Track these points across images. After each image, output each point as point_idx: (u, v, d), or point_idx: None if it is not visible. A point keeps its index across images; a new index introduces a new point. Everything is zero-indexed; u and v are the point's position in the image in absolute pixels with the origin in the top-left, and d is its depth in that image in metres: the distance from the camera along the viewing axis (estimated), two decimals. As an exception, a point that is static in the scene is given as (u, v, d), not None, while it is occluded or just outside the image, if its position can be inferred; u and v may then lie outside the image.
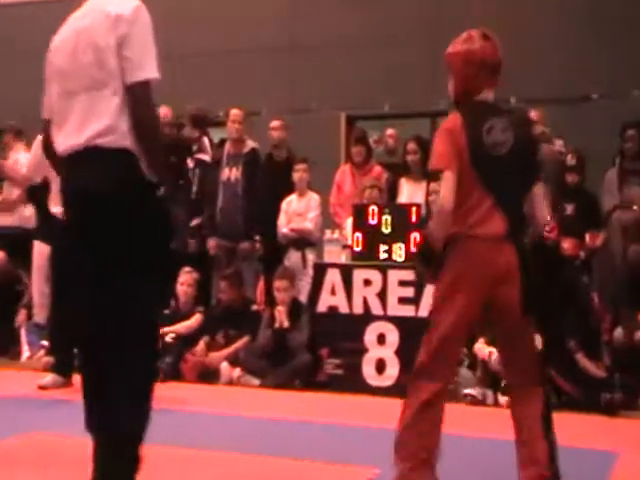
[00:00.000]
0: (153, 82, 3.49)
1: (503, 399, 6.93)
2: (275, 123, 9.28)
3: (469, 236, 3.89)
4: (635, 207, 7.79)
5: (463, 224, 3.87)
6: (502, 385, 7.00)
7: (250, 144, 9.18)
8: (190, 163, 9.39)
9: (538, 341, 6.92)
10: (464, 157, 3.83)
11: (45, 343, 8.55)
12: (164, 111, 9.33)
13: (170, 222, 3.38)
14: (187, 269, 8.49)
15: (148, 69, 3.45)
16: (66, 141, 3.55)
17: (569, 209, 7.90)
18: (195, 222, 9.10)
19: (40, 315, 8.63)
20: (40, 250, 8.25)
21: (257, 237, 8.97)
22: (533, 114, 8.15)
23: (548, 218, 7.32)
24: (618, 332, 7.16)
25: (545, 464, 3.86)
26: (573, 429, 6.20)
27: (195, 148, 9.53)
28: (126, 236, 3.36)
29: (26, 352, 8.97)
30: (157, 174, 3.48)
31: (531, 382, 4.04)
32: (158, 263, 3.45)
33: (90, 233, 3.42)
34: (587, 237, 7.81)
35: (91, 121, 3.48)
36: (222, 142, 9.43)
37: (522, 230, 4.07)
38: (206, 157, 9.45)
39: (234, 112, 9.17)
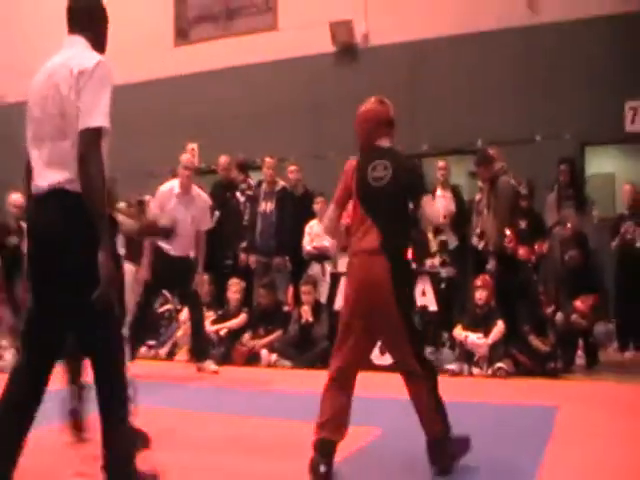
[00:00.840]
0: (100, 131, 3.03)
1: (476, 371, 7.17)
2: (292, 168, 9.39)
3: (352, 252, 3.90)
4: (569, 224, 7.86)
5: (352, 242, 3.90)
6: (474, 360, 7.24)
7: (281, 183, 9.23)
8: (241, 198, 9.44)
9: (501, 326, 7.19)
10: (354, 191, 3.89)
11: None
12: (223, 159, 9.60)
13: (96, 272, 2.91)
14: (235, 279, 8.57)
15: (95, 117, 3.02)
16: (35, 182, 3.18)
17: (522, 224, 7.96)
18: (243, 244, 9.17)
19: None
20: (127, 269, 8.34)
21: (287, 257, 8.99)
22: (492, 152, 8.15)
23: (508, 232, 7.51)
24: (559, 316, 7.26)
25: (436, 429, 3.82)
26: (526, 391, 6.46)
27: (244, 186, 9.58)
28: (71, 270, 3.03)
29: None
30: (94, 218, 2.97)
31: (410, 372, 3.81)
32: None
33: (46, 264, 3.10)
34: (536, 246, 7.90)
35: (54, 170, 3.11)
36: (260, 183, 9.48)
37: (397, 242, 3.86)
38: (251, 193, 9.50)
39: (268, 160, 9.23)
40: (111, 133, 3.09)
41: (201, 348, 7.60)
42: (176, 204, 7.36)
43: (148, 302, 7.66)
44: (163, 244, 7.27)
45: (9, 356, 7.80)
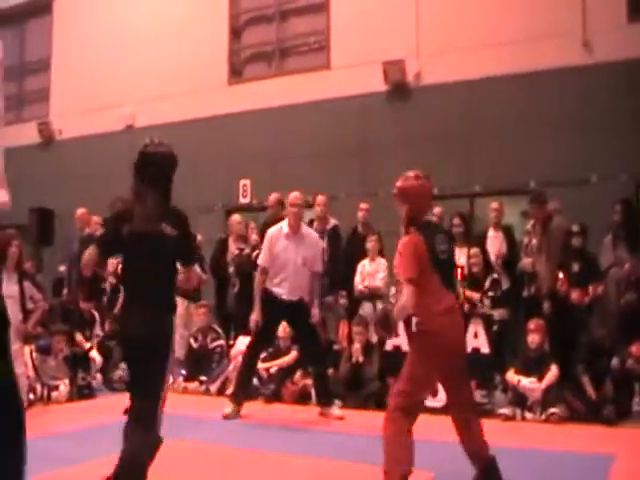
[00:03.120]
0: None
1: (529, 416, 7.13)
2: (319, 199, 9.32)
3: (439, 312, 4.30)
4: (625, 266, 7.78)
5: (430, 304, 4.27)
6: (527, 405, 7.20)
7: (332, 221, 9.30)
8: None
9: (555, 371, 7.15)
10: (425, 260, 4.25)
11: (183, 372, 8.80)
12: (273, 196, 9.53)
13: None
14: None
15: None
16: None
17: (576, 267, 7.93)
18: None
19: (179, 352, 8.74)
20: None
21: (344, 292, 9.05)
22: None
23: (561, 275, 7.57)
24: (614, 361, 7.16)
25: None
26: (580, 437, 6.40)
27: None
28: None
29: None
30: None
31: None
32: None
33: None
34: (590, 288, 7.83)
35: None
36: (311, 221, 9.40)
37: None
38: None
39: (319, 198, 9.33)
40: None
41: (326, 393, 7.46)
42: (286, 245, 7.26)
43: (256, 349, 7.50)
44: (274, 287, 7.20)
45: (63, 387, 8.03)
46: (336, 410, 7.27)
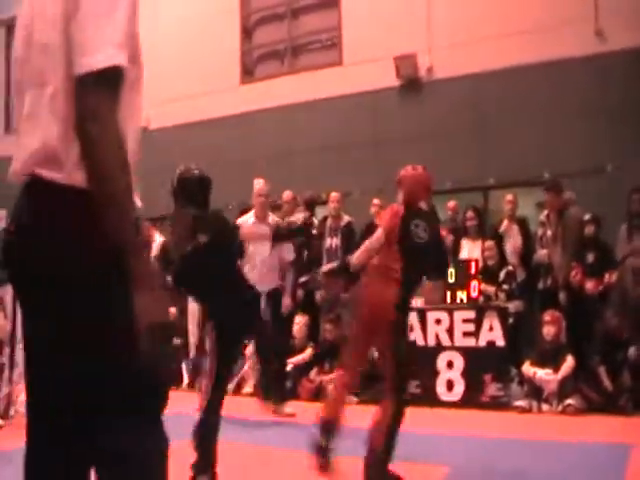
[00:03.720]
0: (113, 72, 1.79)
1: (545, 407, 7.10)
2: (333, 195, 9.39)
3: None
4: None
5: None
6: (544, 397, 7.17)
7: (346, 218, 9.30)
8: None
9: (571, 362, 7.11)
10: (394, 234, 4.49)
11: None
12: (287, 194, 9.60)
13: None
14: (300, 315, 8.66)
15: (103, 53, 1.76)
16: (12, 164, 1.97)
17: (590, 257, 7.90)
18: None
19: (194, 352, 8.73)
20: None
21: None
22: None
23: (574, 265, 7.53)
24: (631, 350, 7.11)
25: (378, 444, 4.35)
26: (597, 428, 6.34)
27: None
28: None
29: (186, 380, 9.21)
30: (113, 229, 1.76)
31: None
32: None
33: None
34: (606, 276, 7.77)
35: (27, 137, 1.90)
36: (325, 218, 9.56)
37: None
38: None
39: (333, 195, 9.37)
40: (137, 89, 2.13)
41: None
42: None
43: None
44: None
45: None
46: (287, 408, 7.30)
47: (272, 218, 7.62)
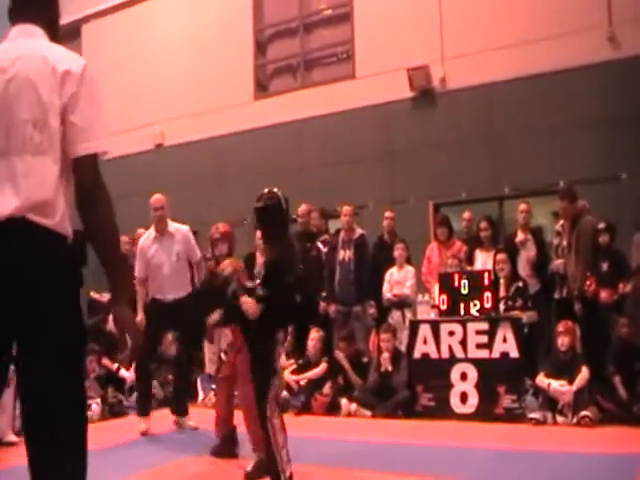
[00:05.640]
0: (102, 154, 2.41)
1: (560, 419, 7.03)
2: (346, 209, 9.33)
3: None
4: None
5: None
6: (558, 408, 7.10)
7: (359, 231, 9.32)
8: (324, 248, 9.41)
9: (586, 372, 7.03)
10: None
11: (214, 386, 8.79)
12: (303, 207, 9.61)
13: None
14: (315, 329, 8.62)
15: (99, 139, 2.38)
16: None
17: (604, 266, 7.81)
18: (324, 293, 9.16)
19: (211, 368, 8.75)
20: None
21: (373, 302, 9.04)
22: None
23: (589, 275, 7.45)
24: (646, 359, 7.01)
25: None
26: (613, 439, 6.27)
27: (326, 237, 9.69)
28: None
29: (201, 395, 9.08)
30: (112, 266, 2.47)
31: None
32: None
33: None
34: (620, 285, 7.69)
35: (21, 188, 2.32)
36: (338, 231, 9.57)
37: None
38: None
39: (346, 208, 9.35)
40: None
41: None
42: (157, 247, 7.40)
43: (145, 356, 7.35)
44: (156, 293, 7.37)
45: (95, 406, 8.13)
46: (190, 421, 7.39)
47: (174, 227, 7.57)
